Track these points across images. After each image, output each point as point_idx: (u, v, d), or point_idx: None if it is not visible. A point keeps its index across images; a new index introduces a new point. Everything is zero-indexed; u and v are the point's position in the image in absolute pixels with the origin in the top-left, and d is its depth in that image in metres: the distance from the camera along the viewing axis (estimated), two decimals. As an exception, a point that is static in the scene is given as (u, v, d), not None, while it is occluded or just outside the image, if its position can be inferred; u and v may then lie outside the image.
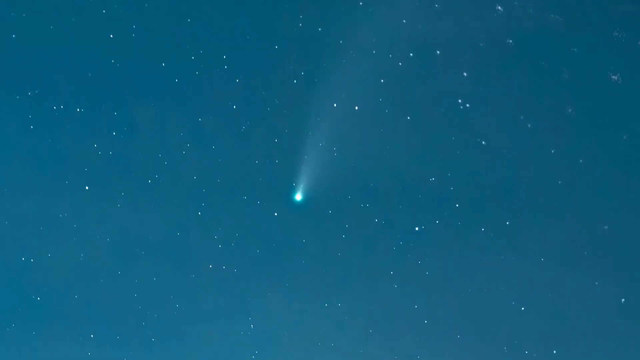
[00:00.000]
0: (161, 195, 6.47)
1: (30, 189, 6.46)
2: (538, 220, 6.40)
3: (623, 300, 6.36)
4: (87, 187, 6.44)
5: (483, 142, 6.41)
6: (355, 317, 6.62)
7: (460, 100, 6.37)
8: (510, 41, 6.32)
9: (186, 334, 6.62)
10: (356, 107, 6.43)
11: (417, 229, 6.49)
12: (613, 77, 6.28)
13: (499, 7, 6.32)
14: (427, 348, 6.60)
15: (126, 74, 6.43)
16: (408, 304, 6.55)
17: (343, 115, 6.41)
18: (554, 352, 6.45)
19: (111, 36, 6.39)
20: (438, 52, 6.38)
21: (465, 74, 6.36)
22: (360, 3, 6.36)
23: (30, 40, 6.39)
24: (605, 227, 6.37)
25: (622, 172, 6.26)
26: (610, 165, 6.28)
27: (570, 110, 6.33)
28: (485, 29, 6.34)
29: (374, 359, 6.65)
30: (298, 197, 6.47)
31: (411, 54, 6.39)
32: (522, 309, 6.48)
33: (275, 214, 6.52)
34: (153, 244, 6.52)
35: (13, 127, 6.41)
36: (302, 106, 6.43)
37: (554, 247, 6.38)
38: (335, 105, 6.40)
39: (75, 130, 6.42)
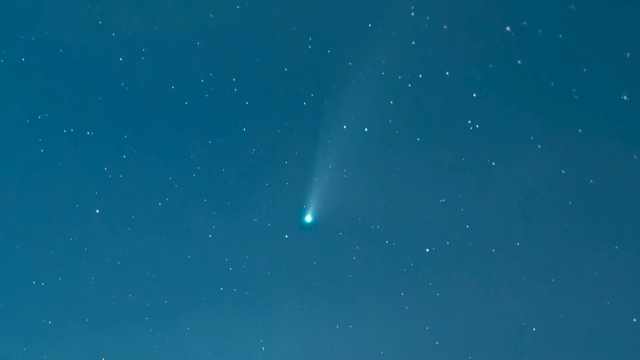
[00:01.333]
0: (172, 218, 6.47)
1: (41, 212, 6.44)
2: (548, 241, 6.37)
3: (635, 320, 6.34)
4: (97, 211, 6.44)
5: (493, 163, 6.40)
6: (366, 338, 6.59)
7: (469, 121, 6.36)
8: (520, 62, 6.31)
9: (198, 356, 6.59)
10: (366, 129, 6.42)
11: (427, 250, 6.48)
12: (623, 97, 6.28)
13: (508, 28, 6.32)
14: (439, 369, 6.60)
15: (136, 97, 6.42)
16: (419, 325, 6.52)
17: (353, 137, 6.40)
18: (566, 372, 6.46)
19: (121, 59, 6.39)
20: (447, 73, 6.37)
21: (474, 95, 6.36)
22: (370, 25, 6.36)
23: (40, 64, 6.37)
24: (616, 247, 6.36)
25: (632, 192, 6.24)
26: (620, 186, 6.25)
27: (580, 131, 6.32)
28: (494, 50, 6.32)
29: (386, 380, 6.66)
30: (308, 218, 6.47)
31: (420, 76, 6.38)
32: (534, 329, 6.46)
33: (286, 236, 6.50)
34: (164, 267, 6.50)
35: (23, 151, 6.39)
36: (312, 128, 6.44)
37: (564, 267, 6.35)
38: (345, 127, 6.40)
39: (85, 154, 6.42)
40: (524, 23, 6.27)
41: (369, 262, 6.50)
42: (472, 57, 6.37)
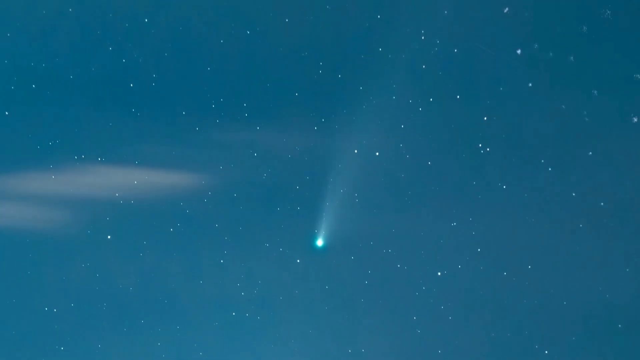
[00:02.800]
0: (183, 244, 6.44)
1: (53, 239, 6.44)
2: (560, 264, 6.35)
3: (647, 342, 6.33)
4: (109, 237, 6.44)
5: (504, 186, 6.38)
6: (378, 362, 6.61)
7: (480, 145, 6.34)
8: (530, 85, 6.29)
9: (210, 381, 6.62)
10: (377, 153, 6.40)
11: (439, 273, 6.45)
12: (634, 119, 6.25)
13: (519, 51, 6.30)
14: (451, 393, 6.58)
15: (147, 123, 6.40)
16: (431, 349, 6.50)
17: (364, 161, 6.38)
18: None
19: (131, 85, 6.39)
20: (458, 96, 6.35)
21: (485, 118, 6.34)
22: (380, 49, 6.33)
23: (50, 90, 6.38)
24: (627, 270, 6.34)
25: (645, 215, 6.24)
26: (632, 209, 6.24)
27: (590, 153, 6.30)
28: (505, 72, 6.30)
29: (398, 404, 6.65)
30: (319, 242, 6.45)
31: (431, 99, 6.36)
32: (546, 352, 6.44)
33: (298, 260, 6.49)
34: (176, 293, 6.48)
35: (34, 177, 6.40)
36: (323, 152, 6.42)
37: (576, 291, 6.33)
38: (356, 151, 6.38)
39: (96, 180, 6.41)
40: (535, 46, 6.25)
41: (380, 286, 6.49)
42: (483, 80, 6.35)
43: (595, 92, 6.25)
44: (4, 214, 6.47)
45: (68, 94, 6.38)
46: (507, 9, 6.23)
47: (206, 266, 6.49)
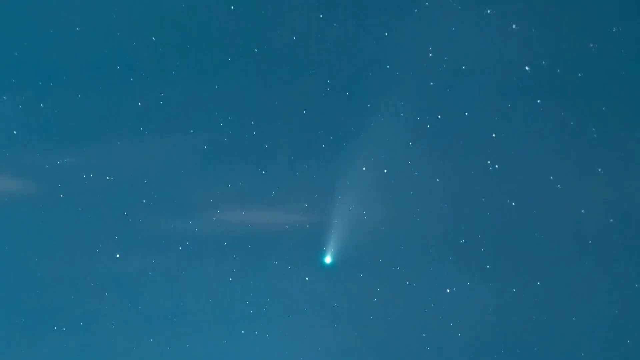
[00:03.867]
0: (192, 262, 6.41)
1: (61, 258, 6.42)
2: (569, 281, 6.32)
3: (657, 358, 6.31)
4: (117, 255, 6.43)
5: (513, 203, 6.37)
6: (388, 380, 6.59)
7: (489, 162, 6.33)
8: (539, 101, 6.27)
9: (220, 401, 6.60)
10: (385, 171, 6.39)
11: (448, 290, 6.42)
12: (643, 136, 6.24)
13: (527, 68, 6.28)
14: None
15: (154, 142, 6.41)
16: (441, 366, 6.51)
17: (372, 179, 6.36)
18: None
19: (139, 104, 6.39)
20: (466, 113, 6.34)
21: (493, 135, 6.33)
22: (388, 66, 6.32)
23: (57, 110, 6.38)
24: (636, 285, 6.32)
25: (655, 232, 6.22)
26: (641, 225, 6.24)
27: (600, 170, 6.29)
28: (513, 89, 6.28)
29: (408, 421, 6.62)
30: (328, 259, 6.44)
31: (439, 116, 6.36)
32: (556, 368, 6.44)
33: (307, 278, 6.47)
34: (185, 311, 6.44)
35: (42, 196, 6.40)
36: (331, 170, 6.40)
37: (586, 307, 6.31)
38: (364, 168, 6.37)
39: (105, 199, 6.41)
40: (543, 62, 6.24)
41: (389, 303, 6.46)
42: (491, 97, 6.33)
43: (604, 108, 6.24)
44: (11, 231, 6.48)
45: (76, 113, 6.38)
46: (514, 25, 6.22)
47: (215, 284, 6.46)
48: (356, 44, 6.37)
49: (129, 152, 6.38)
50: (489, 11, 6.21)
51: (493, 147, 6.30)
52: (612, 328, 6.29)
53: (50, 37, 6.30)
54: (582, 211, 6.27)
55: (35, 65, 6.33)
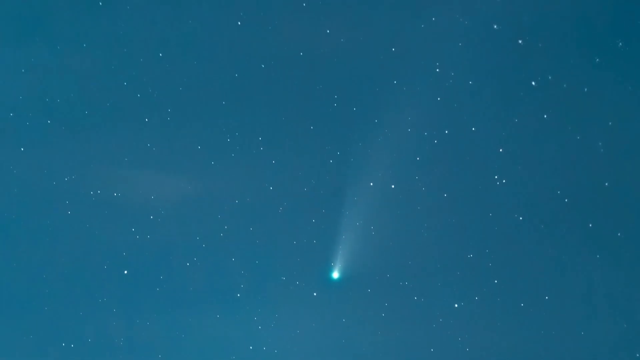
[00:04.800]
0: (200, 279, 6.39)
1: (69, 275, 6.40)
2: (578, 296, 6.31)
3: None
4: (125, 272, 6.41)
5: (520, 218, 6.37)
6: (397, 395, 6.57)
7: (496, 177, 6.33)
8: (546, 116, 6.28)
9: (229, 418, 6.57)
10: (392, 186, 6.39)
11: (456, 305, 6.42)
12: (650, 150, 6.25)
13: (534, 83, 6.29)
14: None
15: (162, 157, 6.41)
16: (449, 381, 6.50)
17: (380, 194, 6.35)
18: None
19: (146, 120, 6.38)
20: (473, 128, 6.34)
21: (501, 150, 6.33)
22: (395, 81, 6.32)
23: (65, 126, 6.35)
24: (645, 298, 6.33)
25: (662, 246, 6.22)
26: (649, 239, 6.24)
27: (607, 184, 6.29)
28: (520, 104, 6.29)
29: None
30: (335, 275, 6.43)
31: (446, 132, 6.36)
32: (564, 382, 6.43)
33: (315, 294, 6.46)
34: (193, 328, 6.41)
35: (49, 214, 6.38)
36: (338, 186, 6.40)
37: (594, 322, 6.30)
38: (371, 184, 6.37)
39: (112, 215, 6.39)
40: (549, 77, 6.25)
41: (398, 318, 6.44)
42: (498, 112, 6.34)
43: (610, 123, 6.25)
44: (18, 247, 6.46)
45: (83, 130, 6.36)
46: (521, 40, 6.24)
47: (222, 300, 6.44)
48: (363, 59, 6.38)
49: (136, 168, 6.37)
50: (495, 26, 6.22)
51: (500, 161, 6.30)
52: (621, 343, 6.28)
53: (57, 52, 6.29)
54: (590, 225, 6.28)
55: (42, 82, 6.31)
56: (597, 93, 6.22)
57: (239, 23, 6.28)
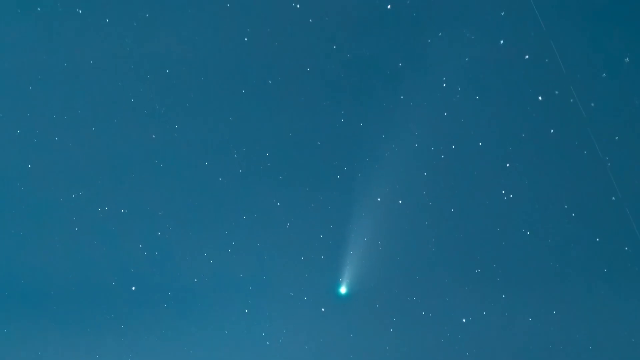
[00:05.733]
0: (208, 295, 6.39)
1: (78, 291, 6.41)
2: (585, 309, 6.31)
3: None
4: (133, 288, 6.41)
5: (527, 233, 6.37)
6: (405, 409, 6.56)
7: (503, 191, 6.33)
8: (552, 131, 6.28)
9: None
10: (400, 201, 6.39)
11: (464, 320, 6.43)
12: (657, 165, 6.25)
13: (540, 97, 6.29)
14: None
15: (169, 174, 6.40)
16: (457, 395, 6.50)
17: (387, 209, 6.35)
18: None
19: (154, 136, 6.38)
20: (480, 143, 6.34)
21: (507, 165, 6.34)
22: (402, 97, 6.33)
23: (72, 142, 6.37)
24: (654, 313, 6.33)
25: (669, 260, 6.22)
26: (657, 253, 6.24)
27: (613, 199, 6.29)
28: (526, 119, 6.28)
29: None
30: (342, 290, 6.43)
31: (453, 146, 6.36)
32: (572, 396, 6.42)
33: (323, 309, 6.46)
34: (201, 343, 6.44)
35: (58, 230, 6.38)
36: (346, 201, 6.40)
37: (602, 336, 6.31)
38: (378, 199, 6.37)
39: (120, 231, 6.39)
40: (556, 92, 6.24)
41: (406, 333, 6.44)
42: (505, 127, 6.34)
43: (617, 137, 6.25)
44: (26, 264, 6.46)
45: (90, 145, 6.36)
46: (527, 56, 6.23)
47: (231, 316, 6.45)
48: (370, 74, 6.38)
49: (144, 184, 6.37)
50: (502, 42, 6.21)
51: (507, 176, 6.30)
52: (629, 357, 6.29)
53: (64, 71, 6.29)
54: (597, 239, 6.28)
55: (50, 100, 6.31)
56: (603, 108, 6.21)
57: (246, 39, 6.28)
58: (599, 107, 6.22)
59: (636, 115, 6.21)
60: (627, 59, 6.18)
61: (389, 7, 6.24)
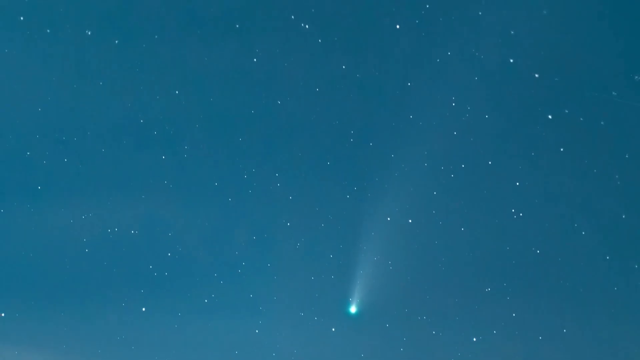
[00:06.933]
0: (219, 315, 6.37)
1: (89, 313, 6.40)
2: (596, 329, 6.32)
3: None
4: (143, 309, 6.40)
5: (538, 251, 6.35)
6: None
7: (513, 210, 6.32)
8: (562, 149, 6.27)
9: None
10: (410, 220, 6.38)
11: (474, 339, 6.41)
12: (667, 183, 6.23)
13: (550, 116, 6.28)
14: None
15: (180, 195, 6.38)
16: (468, 414, 6.48)
17: (397, 229, 6.33)
18: None
19: (163, 157, 6.37)
20: (490, 162, 6.33)
21: (517, 184, 6.32)
22: (411, 116, 6.32)
23: (82, 164, 6.36)
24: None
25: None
26: (667, 272, 6.22)
27: (623, 217, 6.28)
28: (536, 138, 6.27)
29: None
30: (353, 309, 6.42)
31: (463, 165, 6.35)
32: (584, 416, 6.41)
33: (333, 329, 6.45)
34: (213, 364, 6.49)
35: (67, 252, 6.38)
36: (355, 221, 6.39)
37: (613, 353, 6.31)
38: (388, 218, 6.36)
39: (130, 253, 6.38)
40: (566, 110, 6.24)
41: (416, 353, 6.41)
42: (515, 146, 6.33)
43: (627, 155, 6.24)
44: (36, 286, 6.46)
45: (100, 168, 6.35)
46: (537, 74, 6.22)
47: (241, 336, 6.42)
48: (379, 94, 6.37)
49: (153, 205, 6.36)
50: (511, 60, 6.20)
51: (517, 195, 6.29)
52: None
53: (74, 92, 6.27)
54: (607, 257, 6.27)
55: (59, 121, 6.29)
56: (613, 126, 6.20)
57: (255, 60, 6.27)
58: (609, 126, 6.21)
59: (646, 133, 6.21)
60: (637, 77, 6.16)
61: (397, 27, 6.23)
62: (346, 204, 6.36)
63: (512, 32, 6.16)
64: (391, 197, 6.31)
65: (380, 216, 6.31)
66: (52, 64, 6.28)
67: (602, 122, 6.21)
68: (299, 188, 6.36)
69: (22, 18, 6.11)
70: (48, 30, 6.21)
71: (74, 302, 6.39)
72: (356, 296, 6.37)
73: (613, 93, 6.14)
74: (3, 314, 6.22)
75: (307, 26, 6.18)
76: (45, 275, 6.40)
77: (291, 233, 6.37)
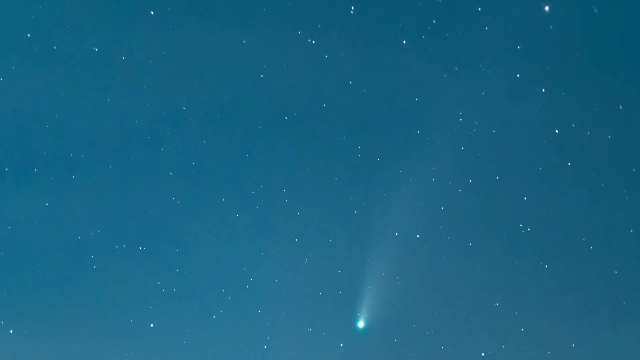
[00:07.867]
0: (226, 329, 6.36)
1: (96, 329, 6.39)
2: (604, 342, 6.30)
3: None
4: (152, 325, 6.38)
5: (545, 266, 6.34)
6: None
7: (521, 225, 6.31)
8: (569, 164, 6.27)
9: None
10: (417, 236, 6.37)
11: (483, 354, 6.38)
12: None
13: (557, 131, 6.27)
14: None
15: (186, 211, 6.39)
16: None
17: (405, 244, 6.32)
18: None
19: (171, 174, 6.37)
20: (497, 177, 6.33)
21: (525, 199, 6.32)
22: (418, 131, 6.32)
23: (89, 180, 6.34)
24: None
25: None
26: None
27: (632, 231, 6.28)
28: (544, 152, 6.28)
29: None
30: (361, 324, 6.41)
31: (470, 181, 6.35)
32: None
33: (341, 344, 6.44)
34: (220, 380, 6.47)
35: (75, 268, 6.36)
36: (363, 236, 6.39)
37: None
38: (396, 234, 6.36)
39: (137, 269, 6.36)
40: (573, 125, 6.23)
41: (425, 368, 6.46)
42: (522, 161, 6.33)
43: (634, 169, 6.24)
44: (45, 302, 6.44)
45: (108, 184, 6.35)
46: (544, 89, 6.22)
47: (250, 353, 6.41)
48: (386, 109, 6.37)
49: (161, 222, 6.36)
50: (518, 75, 6.21)
51: (525, 210, 6.28)
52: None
53: (81, 109, 6.26)
54: (615, 272, 6.26)
55: (66, 137, 6.28)
56: (620, 140, 6.21)
57: (262, 75, 6.27)
58: (616, 140, 6.21)
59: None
60: (645, 92, 6.16)
61: (404, 42, 6.24)
62: (354, 219, 6.36)
63: (519, 47, 6.16)
64: (399, 212, 6.31)
65: (388, 231, 6.31)
66: (58, 80, 6.25)
67: (609, 136, 6.21)
68: (306, 204, 6.36)
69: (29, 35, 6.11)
70: (55, 47, 6.20)
71: (79, 319, 6.37)
72: (364, 311, 6.36)
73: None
74: (12, 331, 6.20)
75: (313, 42, 6.18)
76: (52, 292, 6.38)
77: (299, 249, 6.37)
